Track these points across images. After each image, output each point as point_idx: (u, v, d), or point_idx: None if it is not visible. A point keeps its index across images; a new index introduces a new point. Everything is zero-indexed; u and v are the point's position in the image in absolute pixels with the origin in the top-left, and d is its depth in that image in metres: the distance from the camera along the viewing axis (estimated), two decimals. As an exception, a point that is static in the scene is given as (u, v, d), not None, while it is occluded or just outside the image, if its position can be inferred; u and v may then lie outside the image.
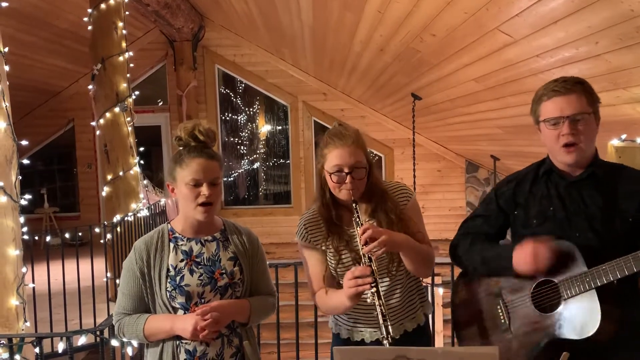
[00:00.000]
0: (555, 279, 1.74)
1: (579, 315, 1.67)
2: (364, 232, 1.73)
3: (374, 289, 1.71)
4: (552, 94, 1.75)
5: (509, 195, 1.90)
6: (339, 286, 1.92)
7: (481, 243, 1.92)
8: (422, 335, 2.00)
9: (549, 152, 1.85)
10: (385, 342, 1.69)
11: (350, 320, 1.99)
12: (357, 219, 1.81)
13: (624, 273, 1.58)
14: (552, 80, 1.79)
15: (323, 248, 1.94)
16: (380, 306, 1.70)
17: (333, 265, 1.93)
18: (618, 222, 1.72)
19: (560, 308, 1.72)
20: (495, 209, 1.93)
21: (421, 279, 2.05)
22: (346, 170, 1.83)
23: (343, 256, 1.91)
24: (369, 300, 1.73)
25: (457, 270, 2.10)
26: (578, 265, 1.68)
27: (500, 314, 1.88)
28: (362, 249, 1.75)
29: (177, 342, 1.84)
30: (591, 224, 1.74)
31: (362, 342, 1.97)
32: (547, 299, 1.76)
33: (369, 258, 1.75)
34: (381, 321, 1.70)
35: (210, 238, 1.92)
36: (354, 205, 1.83)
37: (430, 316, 2.08)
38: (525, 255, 1.72)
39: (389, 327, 1.70)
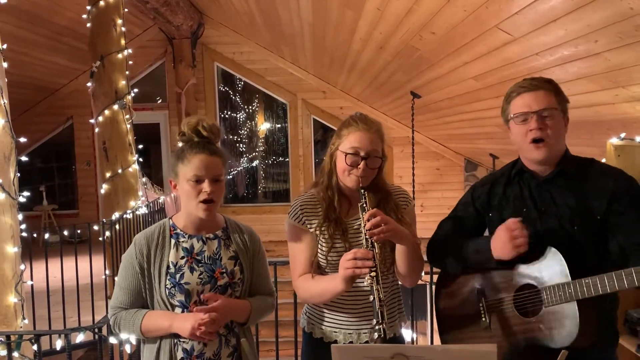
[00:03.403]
0: (538, 284, 1.73)
1: (558, 326, 1.66)
2: (370, 217, 1.69)
3: (373, 273, 1.67)
4: (520, 90, 1.77)
5: (484, 197, 1.90)
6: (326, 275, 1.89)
7: (457, 241, 1.91)
8: None
9: (519, 151, 1.85)
10: (379, 327, 1.65)
11: (325, 320, 1.94)
12: (365, 205, 1.77)
13: (606, 290, 1.55)
14: (521, 80, 1.80)
15: (317, 232, 1.89)
16: (377, 291, 1.66)
17: (324, 252, 1.87)
18: (587, 221, 1.71)
19: (541, 314, 1.71)
20: (472, 211, 1.93)
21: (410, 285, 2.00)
22: (362, 154, 1.81)
23: (337, 243, 1.86)
24: (366, 283, 1.69)
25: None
26: (562, 273, 1.65)
27: (482, 312, 1.87)
28: (365, 233, 1.71)
29: (175, 340, 1.83)
30: (561, 223, 1.73)
31: (334, 343, 1.91)
32: (529, 303, 1.75)
33: (372, 243, 1.71)
34: (377, 307, 1.66)
35: (212, 236, 1.90)
36: (362, 191, 1.80)
37: (404, 324, 2.03)
38: (503, 242, 1.71)
39: (385, 313, 1.67)
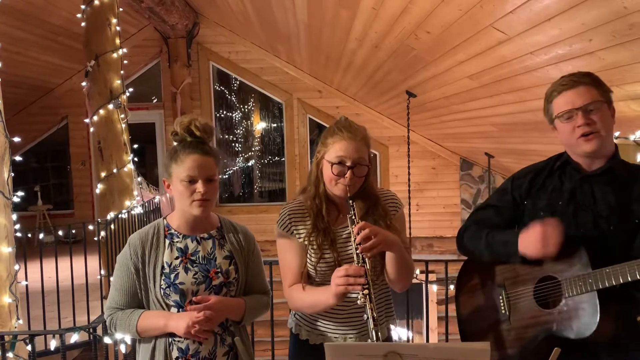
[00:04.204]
0: (558, 276, 1.72)
1: (578, 316, 1.66)
2: (359, 231, 1.67)
3: (366, 291, 1.64)
4: (561, 88, 1.74)
5: (526, 186, 1.88)
6: (316, 285, 1.87)
7: (488, 228, 1.89)
8: None
9: (566, 149, 1.82)
10: None
11: (312, 324, 1.93)
12: (353, 217, 1.74)
13: (627, 279, 1.55)
14: (560, 77, 1.78)
15: (306, 242, 1.86)
16: (371, 310, 1.64)
17: (313, 262, 1.85)
18: (624, 223, 1.69)
19: (561, 305, 1.71)
20: (509, 200, 1.91)
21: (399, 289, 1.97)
22: (349, 163, 1.78)
23: (326, 254, 1.84)
24: (359, 302, 1.66)
25: (451, 267, 2.10)
26: (583, 265, 1.65)
27: (502, 304, 1.88)
28: (355, 248, 1.69)
29: (170, 339, 1.83)
30: (596, 222, 1.71)
31: (320, 346, 1.91)
32: (549, 295, 1.75)
33: (363, 258, 1.68)
34: (371, 326, 1.63)
35: (206, 236, 1.90)
36: (350, 202, 1.77)
37: (394, 328, 2.01)
38: (534, 239, 1.68)
39: (379, 332, 1.65)
